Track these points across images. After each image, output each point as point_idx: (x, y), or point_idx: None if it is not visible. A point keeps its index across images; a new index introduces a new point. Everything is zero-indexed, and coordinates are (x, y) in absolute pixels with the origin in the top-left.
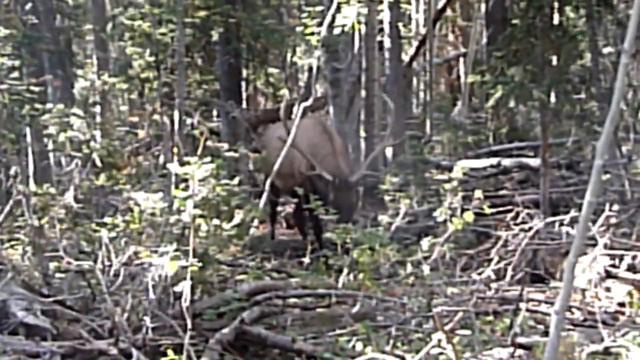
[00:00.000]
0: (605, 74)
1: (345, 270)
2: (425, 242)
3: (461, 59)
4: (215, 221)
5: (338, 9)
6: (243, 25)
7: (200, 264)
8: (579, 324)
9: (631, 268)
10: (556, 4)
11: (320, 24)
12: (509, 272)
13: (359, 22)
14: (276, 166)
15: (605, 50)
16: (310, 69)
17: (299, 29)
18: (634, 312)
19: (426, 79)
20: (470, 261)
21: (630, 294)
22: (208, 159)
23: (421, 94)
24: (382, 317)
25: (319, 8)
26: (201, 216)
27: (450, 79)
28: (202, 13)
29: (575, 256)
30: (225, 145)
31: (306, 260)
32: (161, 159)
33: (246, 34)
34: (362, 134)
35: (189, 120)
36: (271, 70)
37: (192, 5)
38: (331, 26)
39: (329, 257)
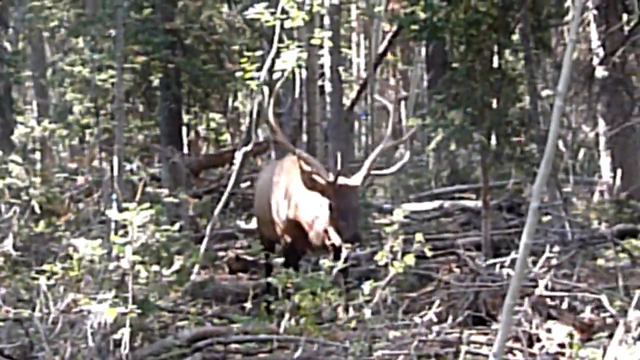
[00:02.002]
0: (544, 117)
1: (287, 315)
2: (366, 286)
3: (402, 103)
4: (155, 267)
5: (278, 54)
6: (183, 70)
7: (140, 311)
8: None
9: (572, 309)
10: (495, 48)
11: (259, 69)
12: (451, 315)
13: (299, 67)
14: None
15: (544, 93)
16: (251, 113)
17: (238, 73)
18: (574, 352)
19: (368, 123)
20: (412, 304)
21: (570, 335)
22: (147, 205)
23: (363, 138)
24: None
25: (259, 52)
26: (141, 262)
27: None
28: (142, 58)
29: (512, 298)
30: (165, 191)
31: (248, 305)
32: (101, 206)
33: (186, 79)
34: None
35: (128, 166)
36: (213, 115)
37: (132, 50)
38: (271, 71)
39: (271, 302)
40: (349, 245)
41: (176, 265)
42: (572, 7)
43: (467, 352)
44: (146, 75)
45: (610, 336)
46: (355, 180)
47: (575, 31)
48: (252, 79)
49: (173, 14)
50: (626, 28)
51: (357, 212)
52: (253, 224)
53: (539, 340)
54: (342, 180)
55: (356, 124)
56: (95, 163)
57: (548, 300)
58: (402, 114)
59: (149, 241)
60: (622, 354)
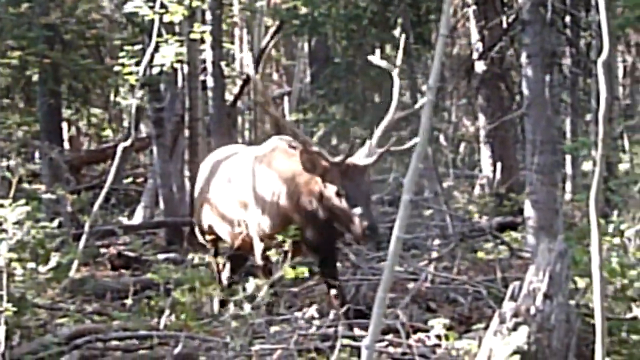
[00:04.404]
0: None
1: (167, 311)
2: (251, 284)
3: (285, 98)
4: (32, 264)
5: (157, 49)
6: (61, 65)
7: (16, 309)
8: (399, 357)
9: (452, 301)
10: (376, 43)
11: (138, 63)
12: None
13: (180, 62)
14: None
15: (425, 87)
16: (132, 108)
17: (117, 68)
18: (450, 344)
19: (251, 118)
20: (293, 299)
21: (449, 327)
22: (23, 201)
23: (246, 133)
24: (205, 357)
25: (139, 47)
26: (17, 259)
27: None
28: (18, 53)
29: (384, 291)
30: (43, 187)
31: (129, 301)
32: None
33: (66, 74)
34: (187, 173)
35: (5, 162)
36: (94, 110)
37: (8, 46)
38: (150, 65)
39: (152, 298)
40: (366, 241)
41: (53, 262)
42: (445, 2)
43: (345, 346)
44: (24, 70)
45: (487, 327)
46: (366, 159)
47: (445, 26)
48: (130, 73)
49: (49, 8)
50: (505, 23)
51: (370, 198)
52: (136, 220)
53: (418, 332)
54: (349, 160)
55: (239, 119)
56: None
57: (428, 293)
58: (286, 109)
59: (25, 238)
60: (497, 345)
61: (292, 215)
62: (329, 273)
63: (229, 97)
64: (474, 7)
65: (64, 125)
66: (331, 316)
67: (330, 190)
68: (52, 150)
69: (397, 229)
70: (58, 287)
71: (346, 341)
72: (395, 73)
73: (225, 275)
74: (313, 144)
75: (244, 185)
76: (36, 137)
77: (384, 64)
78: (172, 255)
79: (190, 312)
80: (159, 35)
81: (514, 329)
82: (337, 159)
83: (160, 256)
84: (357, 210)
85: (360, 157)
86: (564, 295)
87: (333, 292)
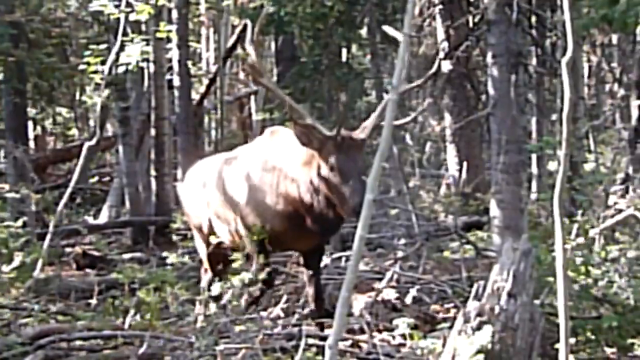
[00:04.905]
0: None
1: (132, 311)
2: (216, 287)
3: (252, 97)
4: None
5: (122, 47)
6: (26, 63)
7: None
8: (364, 357)
9: (417, 300)
10: (342, 42)
11: (104, 62)
12: (298, 308)
13: (146, 60)
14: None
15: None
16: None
17: (82, 67)
18: (415, 343)
19: (217, 117)
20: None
21: (414, 326)
22: None
23: (213, 132)
24: (170, 357)
25: (104, 46)
26: None
27: (241, 116)
28: None
29: (347, 290)
30: (8, 186)
31: (94, 301)
32: None
33: (31, 73)
34: (153, 172)
35: None
36: (60, 109)
37: None
38: (116, 64)
39: (117, 298)
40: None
41: (17, 262)
42: (409, 2)
43: (310, 345)
44: None
45: (452, 327)
46: (361, 133)
47: (408, 25)
48: (96, 72)
49: (14, 6)
50: (470, 23)
51: (363, 174)
52: (102, 220)
53: (384, 331)
54: (345, 133)
55: (206, 118)
56: None
57: (393, 292)
58: (253, 108)
59: None
60: (461, 344)
61: (295, 205)
62: (314, 267)
63: (195, 96)
64: (440, 6)
65: (29, 124)
66: (296, 315)
67: (326, 164)
68: (17, 149)
69: (361, 228)
70: (22, 286)
71: (311, 340)
72: (404, 40)
73: (207, 277)
74: (307, 117)
75: (244, 183)
76: (1, 136)
77: (395, 33)
78: (137, 254)
79: (156, 312)
80: (125, 34)
81: (478, 328)
82: (332, 132)
83: (126, 256)
84: (350, 185)
85: (356, 131)
86: (528, 295)
87: (312, 287)
